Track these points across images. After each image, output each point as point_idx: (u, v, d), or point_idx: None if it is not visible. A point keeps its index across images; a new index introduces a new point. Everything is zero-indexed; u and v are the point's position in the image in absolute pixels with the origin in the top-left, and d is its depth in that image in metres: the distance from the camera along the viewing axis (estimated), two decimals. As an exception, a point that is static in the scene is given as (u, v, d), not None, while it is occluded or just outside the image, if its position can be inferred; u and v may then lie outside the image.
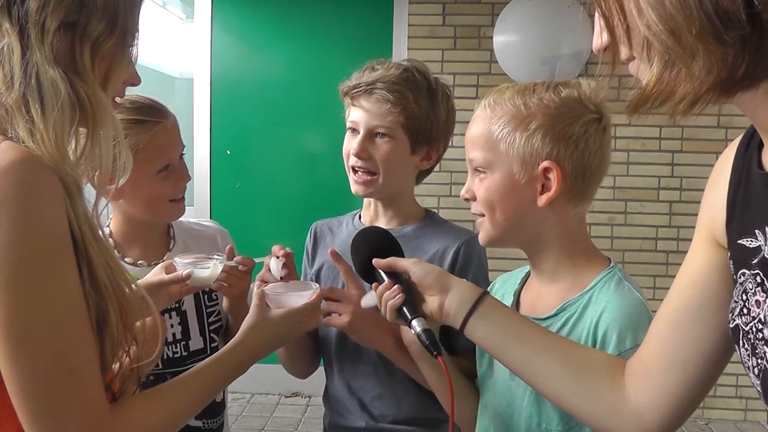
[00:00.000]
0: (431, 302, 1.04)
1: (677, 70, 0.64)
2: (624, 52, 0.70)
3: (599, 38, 0.72)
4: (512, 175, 1.08)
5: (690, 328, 0.85)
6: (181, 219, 1.55)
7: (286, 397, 4.27)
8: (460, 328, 1.02)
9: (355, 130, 1.40)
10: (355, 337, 1.33)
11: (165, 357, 1.46)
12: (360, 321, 1.28)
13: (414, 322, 1.03)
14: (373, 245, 1.14)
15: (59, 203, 0.84)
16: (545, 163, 1.06)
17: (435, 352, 1.01)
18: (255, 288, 1.21)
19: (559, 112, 1.07)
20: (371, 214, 1.49)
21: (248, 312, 1.19)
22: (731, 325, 0.77)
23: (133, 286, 0.95)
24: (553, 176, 1.06)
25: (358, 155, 1.38)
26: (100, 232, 0.91)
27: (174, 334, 1.48)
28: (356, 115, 1.39)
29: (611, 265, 1.12)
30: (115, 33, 0.92)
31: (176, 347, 1.48)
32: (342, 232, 1.51)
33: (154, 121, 1.39)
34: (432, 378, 1.22)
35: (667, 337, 0.88)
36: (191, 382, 1.03)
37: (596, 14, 0.71)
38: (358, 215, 1.52)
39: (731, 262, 0.78)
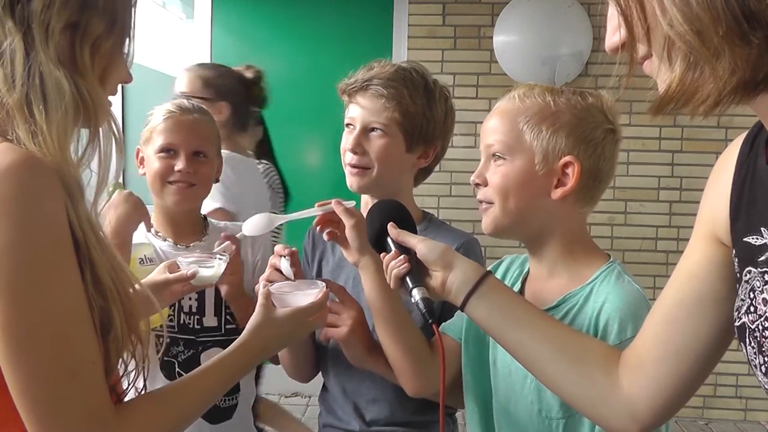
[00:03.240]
0: (435, 278, 1.06)
1: (700, 71, 0.63)
2: (641, 50, 0.69)
3: (614, 36, 0.71)
4: (532, 165, 1.13)
5: (685, 322, 0.86)
6: (226, 223, 1.74)
7: (286, 397, 4.26)
8: (461, 307, 1.04)
9: (351, 126, 1.41)
10: (348, 354, 1.35)
11: (181, 322, 1.54)
12: (357, 333, 1.30)
13: (414, 291, 1.06)
14: (389, 215, 1.15)
15: (59, 205, 0.83)
16: (567, 158, 1.12)
17: (431, 320, 1.03)
18: (260, 288, 1.20)
19: (585, 116, 1.13)
20: None
21: (248, 304, 1.19)
22: (737, 324, 0.77)
23: (137, 286, 0.95)
24: (571, 172, 1.11)
25: (353, 150, 1.39)
26: (102, 233, 0.90)
27: (190, 306, 1.56)
28: (353, 111, 1.41)
29: (611, 260, 1.15)
30: (114, 32, 0.92)
31: (190, 318, 1.55)
32: None
33: (172, 110, 1.58)
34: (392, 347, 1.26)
35: (662, 329, 0.88)
36: (196, 383, 1.02)
37: (610, 12, 0.70)
38: None
39: (736, 260, 0.78)
